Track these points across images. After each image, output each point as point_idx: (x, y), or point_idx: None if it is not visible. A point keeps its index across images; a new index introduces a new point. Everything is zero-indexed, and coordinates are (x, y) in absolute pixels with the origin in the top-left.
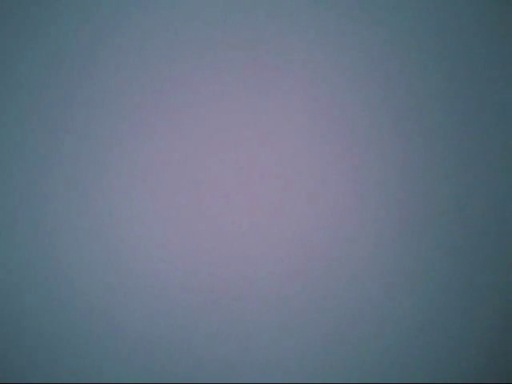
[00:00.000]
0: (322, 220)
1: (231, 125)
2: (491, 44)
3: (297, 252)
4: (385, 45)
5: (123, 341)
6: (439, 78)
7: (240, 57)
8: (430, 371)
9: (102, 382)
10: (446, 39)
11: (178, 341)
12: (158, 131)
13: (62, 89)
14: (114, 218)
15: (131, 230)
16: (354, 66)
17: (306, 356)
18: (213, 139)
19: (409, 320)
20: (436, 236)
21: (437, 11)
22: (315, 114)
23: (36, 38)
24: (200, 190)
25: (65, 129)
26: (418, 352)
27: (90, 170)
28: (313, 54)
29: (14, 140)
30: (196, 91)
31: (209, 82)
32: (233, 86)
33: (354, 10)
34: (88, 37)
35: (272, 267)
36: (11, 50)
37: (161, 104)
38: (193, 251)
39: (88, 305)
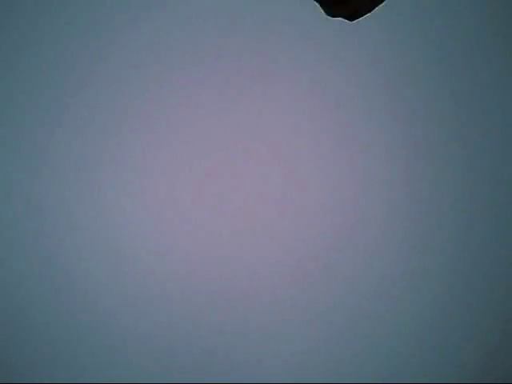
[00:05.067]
0: (323, 222)
1: (232, 126)
2: (493, 43)
3: (299, 252)
4: (387, 47)
5: (123, 341)
6: (442, 78)
7: (241, 60)
8: (433, 372)
9: (101, 382)
10: (447, 39)
11: (180, 340)
12: (157, 130)
13: (59, 87)
14: (114, 216)
15: (132, 229)
16: (356, 67)
17: (307, 357)
18: (214, 139)
19: (411, 320)
20: (439, 238)
21: (439, 12)
22: (317, 114)
23: (37, 37)
24: (202, 190)
25: (63, 126)
26: (420, 352)
27: (90, 169)
28: (314, 56)
29: (12, 138)
30: (195, 91)
31: (208, 82)
32: (233, 88)
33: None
34: (89, 37)
35: (274, 267)
36: (11, 49)
37: (160, 104)
38: (195, 252)
39: (87, 304)
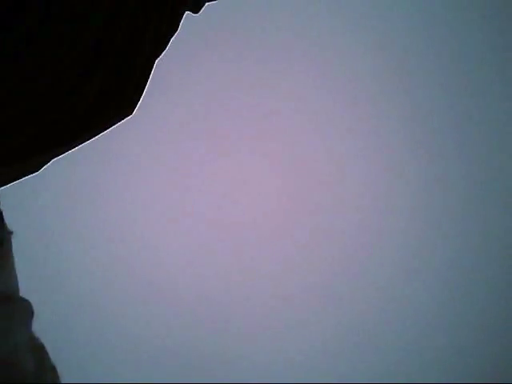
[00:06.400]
0: (325, 226)
1: (230, 127)
2: (493, 44)
3: (301, 255)
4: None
5: (124, 342)
6: (444, 77)
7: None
8: (436, 372)
9: (102, 382)
10: (448, 38)
11: (181, 342)
12: (158, 135)
13: None
14: (116, 218)
15: (133, 231)
16: (357, 62)
17: (310, 360)
18: (213, 142)
19: (413, 321)
20: (444, 238)
21: (440, 11)
22: (322, 116)
23: None
24: (204, 191)
25: None
26: (423, 353)
27: (92, 170)
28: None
29: None
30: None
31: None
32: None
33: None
34: None
35: (278, 270)
36: None
37: (162, 107)
38: (198, 254)
39: (87, 306)
